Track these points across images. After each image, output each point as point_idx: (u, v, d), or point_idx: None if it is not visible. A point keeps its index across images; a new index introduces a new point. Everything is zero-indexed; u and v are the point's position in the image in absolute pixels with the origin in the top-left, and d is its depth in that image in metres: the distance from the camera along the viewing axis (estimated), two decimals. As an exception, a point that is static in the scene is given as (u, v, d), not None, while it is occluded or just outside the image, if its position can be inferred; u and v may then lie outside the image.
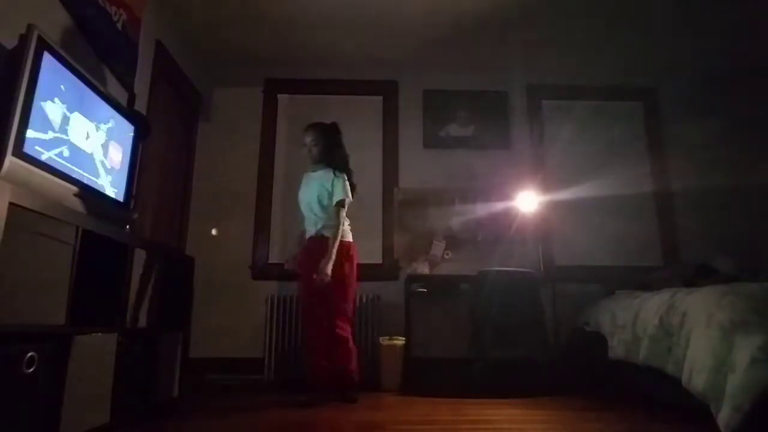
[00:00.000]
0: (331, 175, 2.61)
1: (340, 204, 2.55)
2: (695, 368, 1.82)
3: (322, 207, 2.57)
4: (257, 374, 3.12)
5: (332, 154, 2.67)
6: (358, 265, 2.65)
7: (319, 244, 2.52)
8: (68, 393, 1.45)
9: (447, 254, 3.48)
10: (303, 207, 2.67)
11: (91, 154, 1.83)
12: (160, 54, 2.95)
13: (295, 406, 2.33)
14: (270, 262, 3.47)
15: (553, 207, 3.53)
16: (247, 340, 3.26)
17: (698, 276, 2.82)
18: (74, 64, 1.71)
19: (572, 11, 3.14)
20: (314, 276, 2.41)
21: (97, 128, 1.87)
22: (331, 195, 2.57)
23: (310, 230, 2.61)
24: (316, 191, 2.59)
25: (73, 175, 1.69)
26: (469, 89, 3.80)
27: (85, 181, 1.77)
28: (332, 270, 2.43)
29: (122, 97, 2.39)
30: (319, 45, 3.53)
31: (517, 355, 2.95)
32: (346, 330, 2.50)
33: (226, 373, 3.18)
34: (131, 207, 2.21)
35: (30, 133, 1.46)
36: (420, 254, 3.46)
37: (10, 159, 1.37)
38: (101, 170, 1.91)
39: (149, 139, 2.57)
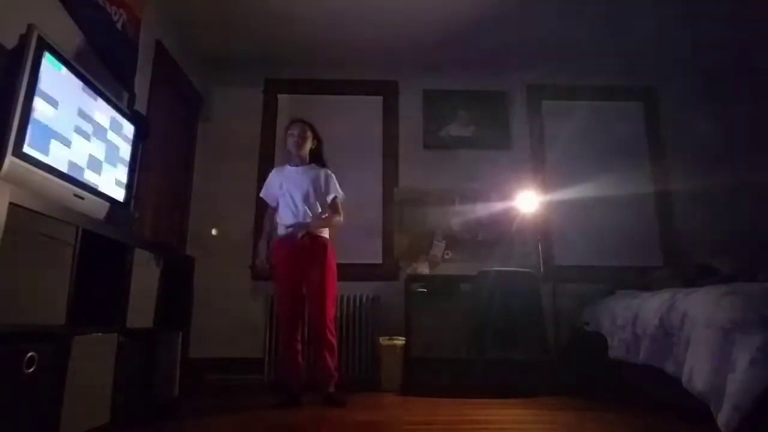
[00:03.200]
0: (323, 171, 2.62)
1: (339, 199, 2.63)
2: (695, 368, 1.82)
3: (317, 202, 2.56)
4: (257, 374, 3.12)
5: (319, 157, 2.70)
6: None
7: (303, 240, 2.46)
8: (68, 393, 1.45)
9: (447, 254, 3.48)
10: (287, 201, 2.56)
11: (91, 154, 1.83)
12: (160, 54, 2.95)
13: (295, 407, 2.33)
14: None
15: (553, 207, 3.53)
16: (247, 340, 3.25)
17: (698, 276, 2.82)
18: (74, 64, 1.71)
19: (572, 11, 3.14)
20: (299, 235, 2.43)
21: (97, 128, 1.87)
22: (323, 191, 2.58)
23: (292, 226, 2.52)
24: (308, 186, 2.56)
25: (73, 175, 1.69)
26: (469, 89, 3.80)
27: (85, 181, 1.77)
28: (327, 271, 2.48)
29: (122, 97, 2.39)
30: (319, 45, 3.54)
31: (517, 355, 2.94)
32: (333, 332, 2.49)
33: (226, 373, 3.18)
34: (131, 207, 2.21)
35: (30, 133, 1.46)
36: (420, 254, 3.46)
37: (10, 159, 1.37)
38: (101, 170, 1.91)
39: (149, 139, 2.57)
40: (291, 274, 2.48)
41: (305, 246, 2.47)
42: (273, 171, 2.77)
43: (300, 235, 2.45)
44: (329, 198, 2.60)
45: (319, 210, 2.56)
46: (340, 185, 2.67)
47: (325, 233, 2.58)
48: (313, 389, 2.49)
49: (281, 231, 2.56)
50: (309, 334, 2.64)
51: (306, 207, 2.53)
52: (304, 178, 2.59)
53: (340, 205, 2.63)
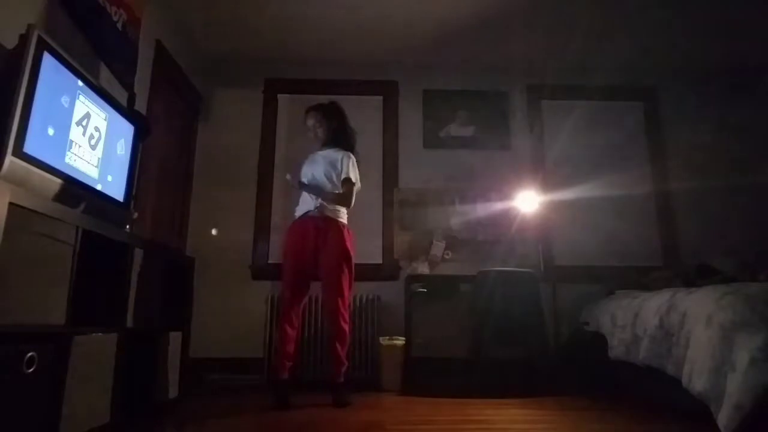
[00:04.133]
0: (340, 153, 2.58)
1: (351, 182, 2.51)
2: (695, 368, 1.82)
3: (332, 184, 2.53)
4: (257, 374, 3.12)
5: (340, 135, 2.65)
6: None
7: (316, 223, 2.46)
8: (68, 393, 1.45)
9: (447, 254, 3.48)
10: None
11: (91, 154, 1.83)
12: (160, 54, 2.95)
13: (294, 407, 2.33)
14: (270, 262, 3.47)
15: (553, 207, 3.53)
16: (247, 340, 3.25)
17: (698, 276, 2.82)
18: (74, 64, 1.71)
19: (572, 11, 3.14)
20: (292, 182, 2.48)
21: (97, 128, 1.87)
22: (339, 173, 2.54)
23: (307, 208, 2.52)
24: (323, 168, 2.55)
25: (73, 175, 1.69)
26: (469, 89, 3.80)
27: (85, 181, 1.77)
28: (342, 254, 2.43)
29: (122, 97, 2.39)
30: (319, 45, 3.54)
31: (517, 355, 2.94)
32: (347, 320, 2.44)
33: (226, 373, 3.18)
34: (131, 207, 2.21)
35: (30, 133, 1.46)
36: (420, 254, 3.46)
37: (10, 159, 1.37)
38: (101, 170, 1.91)
39: (149, 139, 2.57)
40: (298, 258, 2.46)
41: (319, 229, 2.45)
42: (309, 156, 2.73)
43: (292, 182, 2.49)
44: (342, 178, 2.53)
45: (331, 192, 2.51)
46: None
47: (343, 218, 2.53)
48: (324, 383, 2.50)
49: (296, 214, 2.56)
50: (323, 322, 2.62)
51: (314, 187, 2.52)
52: (323, 160, 2.58)
53: (351, 188, 2.52)
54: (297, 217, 2.56)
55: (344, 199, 2.51)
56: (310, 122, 2.66)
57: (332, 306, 2.43)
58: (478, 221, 3.53)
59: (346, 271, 2.45)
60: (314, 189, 2.51)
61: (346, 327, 2.44)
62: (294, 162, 3.53)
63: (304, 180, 2.57)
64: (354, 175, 2.55)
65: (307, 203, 2.53)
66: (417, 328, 3.13)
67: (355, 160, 2.60)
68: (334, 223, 2.48)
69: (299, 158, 3.50)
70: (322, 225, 2.47)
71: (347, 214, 2.59)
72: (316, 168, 2.58)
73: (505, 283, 2.92)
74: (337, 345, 2.41)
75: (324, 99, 3.67)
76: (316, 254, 2.46)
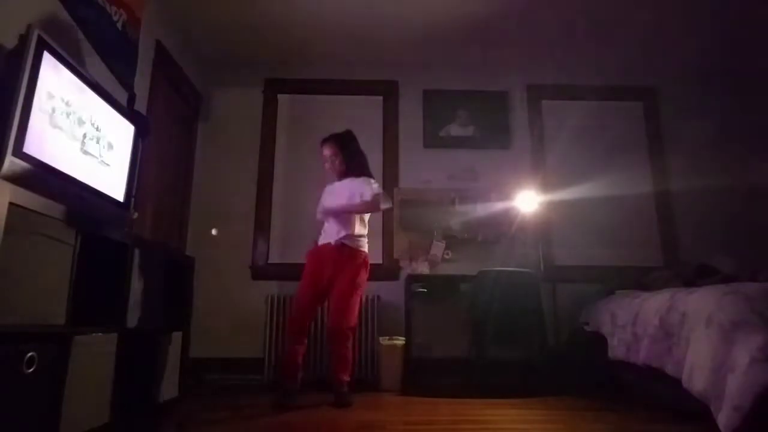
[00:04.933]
0: (363, 181, 2.59)
1: (379, 195, 2.53)
2: (695, 368, 1.82)
3: (351, 214, 2.57)
4: (257, 374, 3.12)
5: (355, 164, 2.66)
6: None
7: (335, 250, 2.51)
8: (68, 393, 1.45)
9: (447, 254, 3.47)
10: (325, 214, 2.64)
11: (91, 154, 1.83)
12: (160, 54, 2.95)
13: (294, 407, 2.33)
14: (270, 262, 3.47)
15: (553, 207, 3.53)
16: (247, 340, 3.25)
17: (698, 276, 2.82)
18: (74, 64, 1.71)
19: (572, 11, 3.14)
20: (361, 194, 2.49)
21: (97, 128, 1.87)
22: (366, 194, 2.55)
23: (328, 239, 2.57)
24: (346, 198, 2.56)
25: (73, 175, 1.69)
26: (469, 89, 3.80)
27: (85, 181, 1.77)
28: (353, 276, 2.48)
29: (122, 97, 2.39)
30: (319, 45, 3.54)
31: (517, 354, 2.94)
32: (347, 345, 2.46)
33: (226, 373, 3.18)
34: (131, 207, 2.21)
35: (30, 133, 1.46)
36: (420, 254, 3.46)
37: (10, 159, 1.37)
38: (101, 170, 1.91)
39: (149, 139, 2.57)
40: (314, 277, 2.52)
41: (338, 256, 2.50)
42: (326, 187, 2.76)
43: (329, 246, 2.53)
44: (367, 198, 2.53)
45: (354, 225, 2.54)
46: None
47: (364, 247, 2.58)
48: (324, 383, 2.56)
49: (319, 242, 2.63)
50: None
51: (339, 226, 2.55)
52: (343, 190, 2.60)
53: (378, 196, 2.52)
54: (321, 243, 2.61)
55: (371, 204, 2.53)
56: (327, 153, 2.67)
57: (333, 329, 2.46)
58: (478, 221, 3.53)
59: (356, 298, 2.50)
60: (339, 209, 2.56)
61: (347, 352, 2.46)
62: (293, 162, 3.58)
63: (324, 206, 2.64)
64: (378, 189, 2.56)
65: (329, 236, 2.58)
66: (417, 328, 3.13)
67: (375, 181, 2.63)
68: (354, 251, 2.54)
69: (299, 158, 3.56)
70: (341, 252, 2.52)
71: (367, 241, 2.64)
72: (338, 198, 2.60)
73: (505, 283, 2.92)
74: (337, 367, 2.44)
75: (324, 99, 3.75)
76: (331, 279, 2.51)
